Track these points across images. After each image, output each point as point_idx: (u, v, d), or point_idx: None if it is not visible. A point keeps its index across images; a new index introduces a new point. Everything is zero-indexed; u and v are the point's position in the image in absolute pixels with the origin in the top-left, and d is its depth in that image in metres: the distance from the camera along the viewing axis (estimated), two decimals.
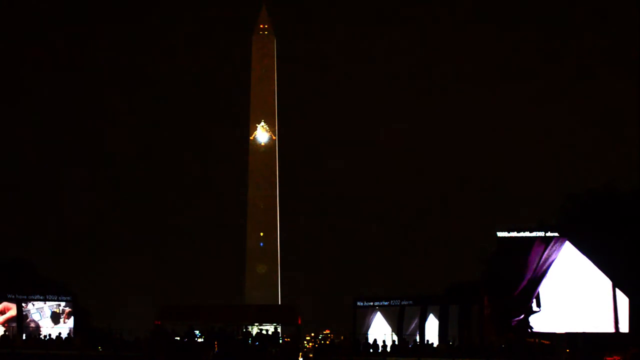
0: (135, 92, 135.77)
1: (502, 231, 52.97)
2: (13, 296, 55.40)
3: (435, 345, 51.87)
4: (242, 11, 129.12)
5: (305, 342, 79.46)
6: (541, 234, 52.23)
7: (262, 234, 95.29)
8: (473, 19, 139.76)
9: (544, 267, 52.05)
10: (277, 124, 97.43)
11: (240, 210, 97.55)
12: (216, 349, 52.07)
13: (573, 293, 51.66)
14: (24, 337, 54.08)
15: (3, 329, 54.48)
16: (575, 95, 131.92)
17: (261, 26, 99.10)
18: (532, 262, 52.09)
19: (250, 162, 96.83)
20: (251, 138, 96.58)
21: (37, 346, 52.97)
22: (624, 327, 50.72)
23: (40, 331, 54.70)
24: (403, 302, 54.11)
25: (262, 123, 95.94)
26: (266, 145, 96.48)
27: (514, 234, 52.69)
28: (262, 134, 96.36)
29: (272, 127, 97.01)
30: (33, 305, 55.20)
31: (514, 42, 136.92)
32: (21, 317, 55.08)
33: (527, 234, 52.49)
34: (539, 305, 51.85)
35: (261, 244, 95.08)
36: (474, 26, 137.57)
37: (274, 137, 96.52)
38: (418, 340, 52.56)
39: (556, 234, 52.05)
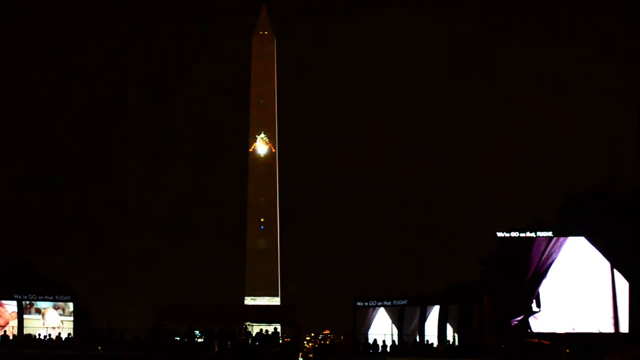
0: (134, 92, 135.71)
1: (501, 231, 53.00)
2: (12, 296, 55.50)
3: (435, 345, 51.89)
4: (242, 11, 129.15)
5: (305, 342, 79.42)
6: (544, 234, 52.26)
7: (262, 219, 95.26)
8: (475, 19, 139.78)
9: (544, 267, 52.06)
10: (277, 131, 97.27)
11: (240, 211, 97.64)
12: (216, 349, 52.07)
13: (573, 293, 51.66)
14: (24, 337, 54.14)
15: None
16: (575, 95, 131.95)
17: (261, 26, 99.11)
18: (532, 262, 52.11)
19: (249, 172, 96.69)
20: (250, 150, 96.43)
21: (37, 346, 52.98)
22: (624, 327, 50.75)
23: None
24: (403, 302, 54.18)
25: (262, 135, 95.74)
26: (265, 157, 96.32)
27: (514, 234, 52.72)
28: (261, 147, 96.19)
29: (272, 133, 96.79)
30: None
31: (512, 44, 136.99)
32: (21, 317, 55.12)
33: (527, 234, 52.52)
34: (539, 305, 51.85)
35: (262, 227, 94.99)
36: (476, 26, 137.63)
37: (273, 150, 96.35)
38: (418, 340, 52.58)
39: (550, 234, 52.14)
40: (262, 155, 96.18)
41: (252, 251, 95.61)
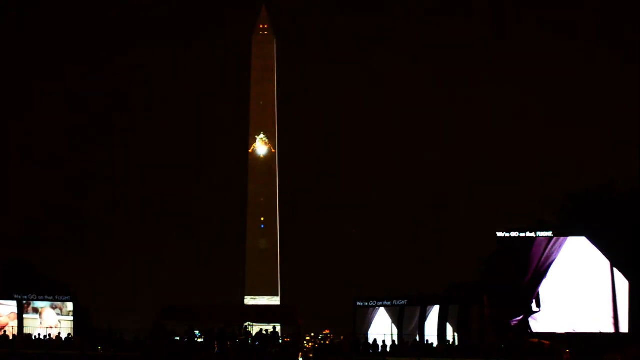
0: (134, 92, 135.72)
1: (501, 231, 52.99)
2: (12, 296, 55.52)
3: (435, 345, 51.88)
4: (242, 11, 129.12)
5: (305, 342, 79.41)
6: (544, 234, 52.27)
7: (262, 218, 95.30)
8: (475, 18, 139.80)
9: (544, 267, 52.07)
10: (276, 131, 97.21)
11: (240, 210, 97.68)
12: (216, 349, 52.06)
13: (573, 293, 51.67)
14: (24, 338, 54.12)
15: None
16: (575, 95, 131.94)
17: (261, 26, 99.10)
18: (532, 262, 52.12)
19: (249, 173, 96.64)
20: (250, 151, 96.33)
21: (37, 346, 52.96)
22: (624, 327, 50.76)
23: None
24: (403, 302, 54.16)
25: (262, 135, 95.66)
26: (265, 158, 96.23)
27: (514, 234, 52.71)
28: (261, 147, 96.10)
29: (272, 134, 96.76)
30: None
31: (513, 43, 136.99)
32: (22, 317, 55.12)
33: (527, 234, 52.52)
34: (538, 305, 51.86)
35: (262, 227, 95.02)
36: (476, 25, 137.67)
37: (273, 150, 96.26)
38: (418, 340, 52.57)
39: (550, 234, 52.18)
40: (262, 156, 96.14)
41: (252, 251, 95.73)
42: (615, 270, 51.21)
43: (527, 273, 52.11)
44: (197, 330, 53.55)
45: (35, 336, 54.02)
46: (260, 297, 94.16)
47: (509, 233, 52.83)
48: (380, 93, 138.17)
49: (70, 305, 55.78)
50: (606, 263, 51.36)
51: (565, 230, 52.65)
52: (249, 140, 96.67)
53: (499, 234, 53.06)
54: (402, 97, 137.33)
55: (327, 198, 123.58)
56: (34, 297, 55.57)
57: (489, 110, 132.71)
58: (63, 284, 71.97)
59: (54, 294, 56.20)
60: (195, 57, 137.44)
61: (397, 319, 53.96)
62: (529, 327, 51.74)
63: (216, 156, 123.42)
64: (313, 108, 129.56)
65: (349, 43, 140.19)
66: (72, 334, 54.71)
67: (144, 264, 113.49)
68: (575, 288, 51.68)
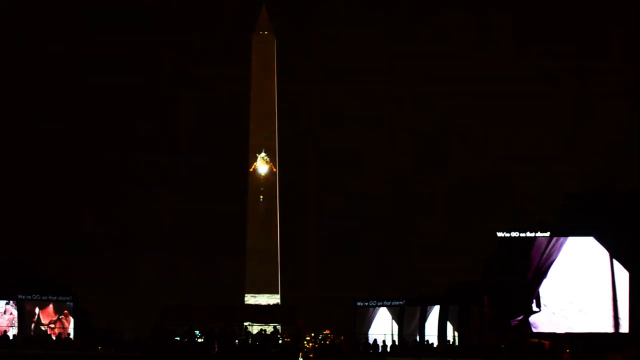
0: (135, 93, 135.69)
1: (502, 231, 53.04)
2: (12, 296, 55.54)
3: (435, 345, 51.92)
4: (242, 11, 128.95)
5: (305, 342, 79.46)
6: (544, 234, 52.33)
7: (261, 197, 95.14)
8: (471, 18, 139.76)
9: (544, 267, 52.09)
10: (277, 140, 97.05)
11: (240, 208, 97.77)
12: (216, 349, 52.10)
13: (573, 293, 51.70)
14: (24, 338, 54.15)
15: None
16: (575, 95, 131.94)
17: (261, 26, 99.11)
18: (532, 262, 52.13)
19: (250, 185, 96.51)
20: (251, 170, 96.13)
21: (37, 346, 52.99)
22: (624, 327, 50.78)
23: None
24: (403, 302, 54.22)
25: (263, 154, 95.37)
26: (266, 177, 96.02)
27: (514, 234, 52.75)
28: (262, 166, 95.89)
29: (273, 144, 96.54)
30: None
31: (510, 41, 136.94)
32: (22, 317, 55.16)
33: (527, 234, 52.57)
34: (538, 305, 51.88)
35: (261, 199, 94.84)
36: (477, 23, 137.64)
37: (274, 169, 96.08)
38: (418, 340, 52.62)
39: (547, 234, 52.25)
40: (262, 175, 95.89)
41: (252, 250, 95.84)
42: (615, 270, 51.23)
43: (527, 273, 52.14)
44: (197, 330, 53.60)
45: (34, 336, 54.06)
46: (260, 295, 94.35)
47: (509, 233, 52.87)
48: (382, 93, 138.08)
49: (70, 305, 55.82)
50: (606, 263, 51.38)
51: (565, 230, 52.70)
52: (250, 160, 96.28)
53: (499, 234, 53.09)
54: (403, 99, 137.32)
55: (327, 200, 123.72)
56: (35, 297, 55.61)
57: (488, 109, 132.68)
58: (63, 284, 72.00)
59: (55, 294, 56.25)
60: (194, 57, 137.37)
61: (397, 319, 54.03)
62: (529, 327, 51.76)
63: (216, 160, 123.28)
64: (314, 110, 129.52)
65: (350, 43, 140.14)
66: (72, 334, 54.75)
67: (144, 264, 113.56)
68: (576, 288, 51.69)
